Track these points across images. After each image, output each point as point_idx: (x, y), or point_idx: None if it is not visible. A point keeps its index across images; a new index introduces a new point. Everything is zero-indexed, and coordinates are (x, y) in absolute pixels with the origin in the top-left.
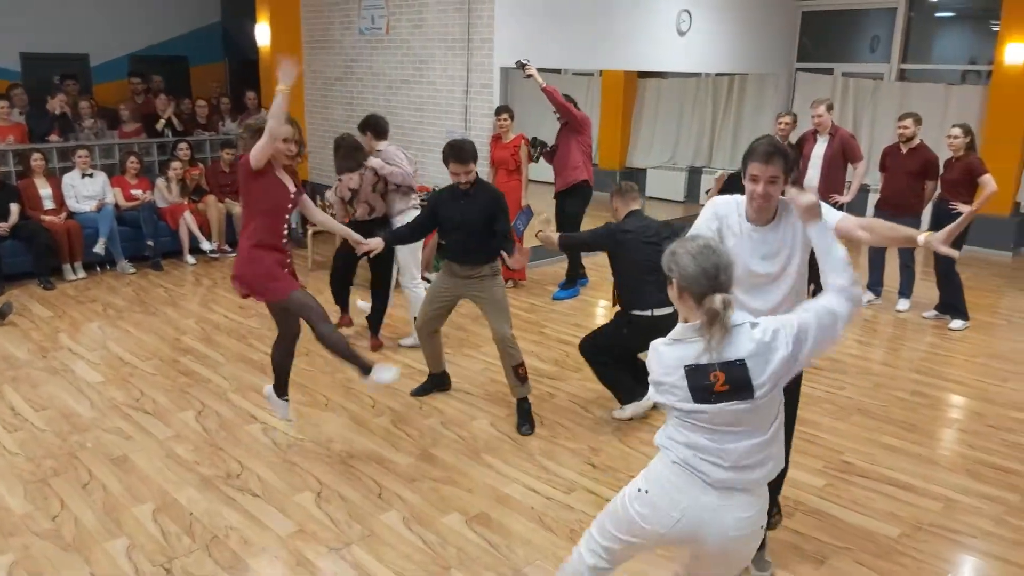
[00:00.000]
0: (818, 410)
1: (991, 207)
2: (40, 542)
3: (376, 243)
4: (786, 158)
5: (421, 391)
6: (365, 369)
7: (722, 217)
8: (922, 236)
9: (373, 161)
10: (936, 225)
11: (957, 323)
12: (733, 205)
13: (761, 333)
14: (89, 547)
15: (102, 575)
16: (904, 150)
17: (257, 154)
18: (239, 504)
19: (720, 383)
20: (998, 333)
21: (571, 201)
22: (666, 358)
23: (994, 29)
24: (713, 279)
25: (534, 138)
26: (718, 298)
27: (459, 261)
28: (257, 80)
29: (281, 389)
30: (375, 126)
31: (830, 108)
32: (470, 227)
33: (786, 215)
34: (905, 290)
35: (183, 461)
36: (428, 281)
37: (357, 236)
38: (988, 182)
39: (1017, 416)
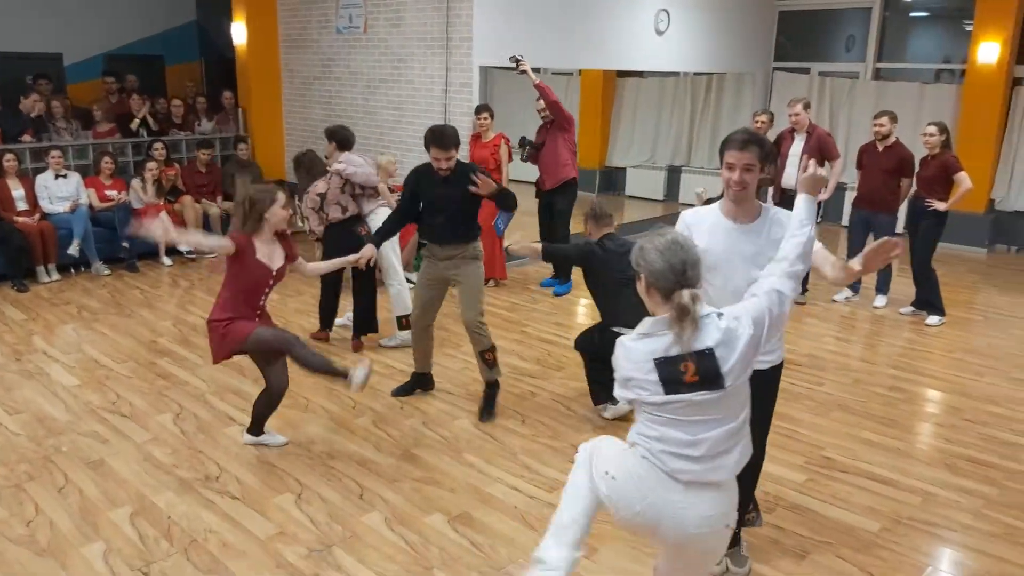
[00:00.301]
0: (798, 406)
1: (966, 204)
2: (14, 548)
3: (369, 251)
4: (761, 146)
5: (403, 391)
6: (344, 375)
7: (691, 225)
8: (855, 263)
9: (336, 167)
10: (911, 222)
11: (933, 319)
12: (704, 212)
13: (727, 322)
14: (65, 552)
15: None
16: (880, 148)
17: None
18: (218, 507)
19: (691, 373)
20: (974, 329)
21: (561, 199)
22: (635, 353)
23: (967, 29)
24: (680, 275)
25: (523, 138)
26: (686, 293)
27: (441, 242)
28: (233, 79)
29: (256, 430)
30: (342, 139)
31: (807, 107)
32: (452, 209)
33: (771, 223)
34: (882, 287)
35: (161, 464)
36: (409, 281)
37: (348, 258)
38: (963, 179)
39: (993, 410)
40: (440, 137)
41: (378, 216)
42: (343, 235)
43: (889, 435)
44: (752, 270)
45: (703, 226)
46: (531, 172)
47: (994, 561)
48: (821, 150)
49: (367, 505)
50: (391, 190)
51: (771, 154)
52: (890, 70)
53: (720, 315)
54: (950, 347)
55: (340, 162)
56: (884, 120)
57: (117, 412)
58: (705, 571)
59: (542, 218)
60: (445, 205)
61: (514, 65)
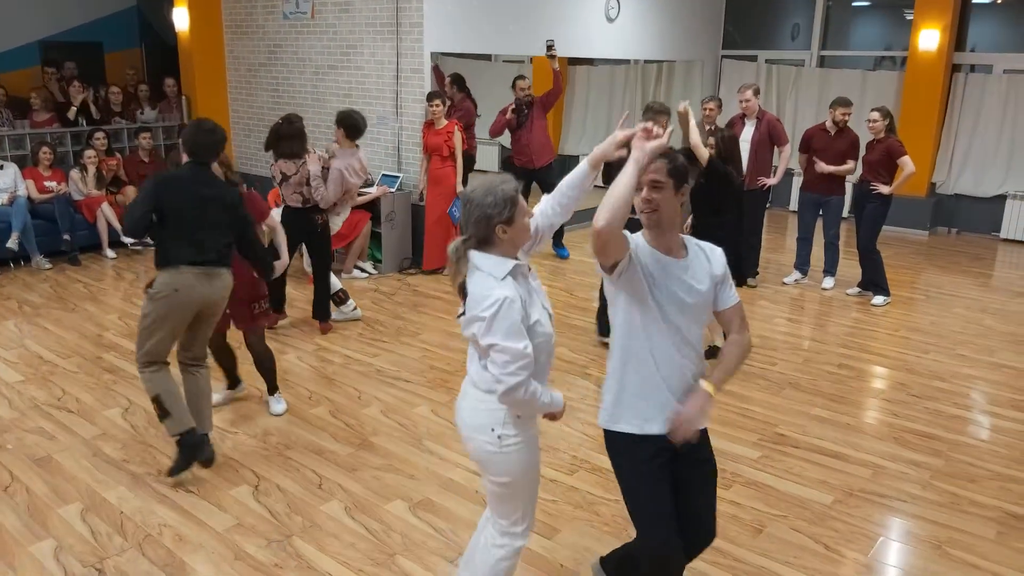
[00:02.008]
0: (752, 385)
1: (909, 188)
2: None
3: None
4: (674, 164)
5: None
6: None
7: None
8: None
9: (312, 169)
10: (857, 205)
11: (879, 299)
12: (637, 239)
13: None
14: (12, 551)
15: None
16: (832, 132)
17: None
18: (173, 501)
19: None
20: (918, 308)
21: (548, 177)
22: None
23: (908, 17)
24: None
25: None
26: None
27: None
28: (176, 66)
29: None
30: (354, 127)
31: (756, 93)
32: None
33: (697, 255)
34: (831, 268)
35: (111, 459)
36: (361, 271)
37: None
38: (907, 163)
39: (938, 385)
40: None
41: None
42: (300, 220)
43: (839, 411)
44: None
45: (644, 252)
46: (476, 159)
47: (941, 528)
48: (771, 135)
49: (326, 494)
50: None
51: (687, 172)
52: (834, 58)
53: None
54: (896, 326)
55: (337, 157)
56: (876, 116)
57: (64, 408)
58: None
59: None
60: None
61: (548, 49)
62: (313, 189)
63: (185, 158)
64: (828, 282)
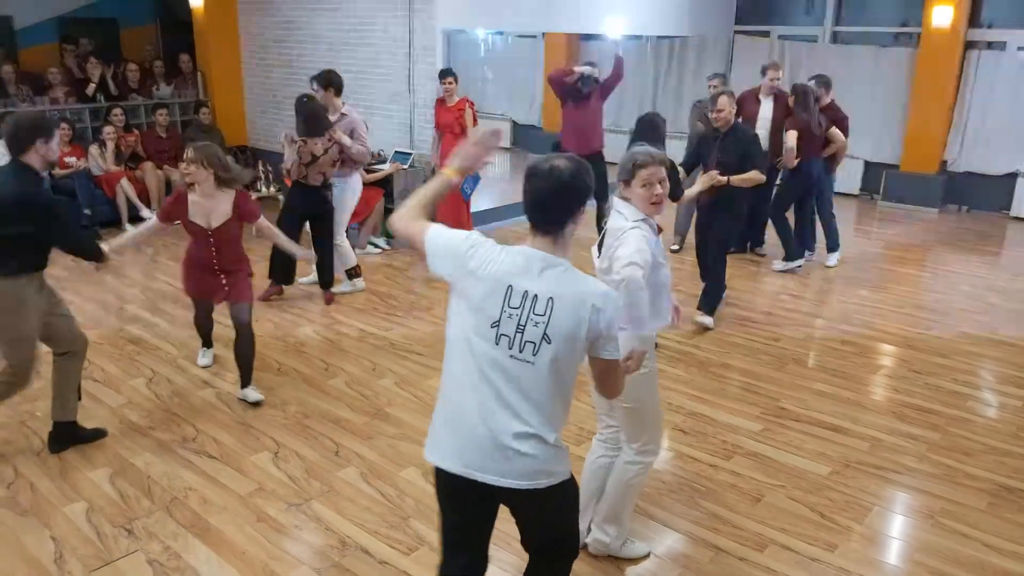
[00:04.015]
0: (755, 360)
1: (919, 166)
2: None
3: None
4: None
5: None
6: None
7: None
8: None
9: (344, 139)
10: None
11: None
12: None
13: (621, 229)
14: (47, 512)
15: (63, 537)
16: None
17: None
18: (197, 466)
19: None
20: (924, 285)
21: (596, 167)
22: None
23: None
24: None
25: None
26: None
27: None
28: (190, 42)
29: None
30: (338, 84)
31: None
32: None
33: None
34: (833, 245)
35: (137, 427)
36: (374, 246)
37: (299, 255)
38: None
39: (939, 361)
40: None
41: (350, 181)
42: (309, 196)
43: (841, 386)
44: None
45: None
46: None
47: (936, 499)
48: (788, 113)
49: (343, 461)
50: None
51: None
52: (848, 33)
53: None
54: (900, 303)
55: (343, 120)
56: (811, 84)
57: (90, 377)
58: None
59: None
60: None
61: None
62: (357, 154)
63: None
64: (832, 259)
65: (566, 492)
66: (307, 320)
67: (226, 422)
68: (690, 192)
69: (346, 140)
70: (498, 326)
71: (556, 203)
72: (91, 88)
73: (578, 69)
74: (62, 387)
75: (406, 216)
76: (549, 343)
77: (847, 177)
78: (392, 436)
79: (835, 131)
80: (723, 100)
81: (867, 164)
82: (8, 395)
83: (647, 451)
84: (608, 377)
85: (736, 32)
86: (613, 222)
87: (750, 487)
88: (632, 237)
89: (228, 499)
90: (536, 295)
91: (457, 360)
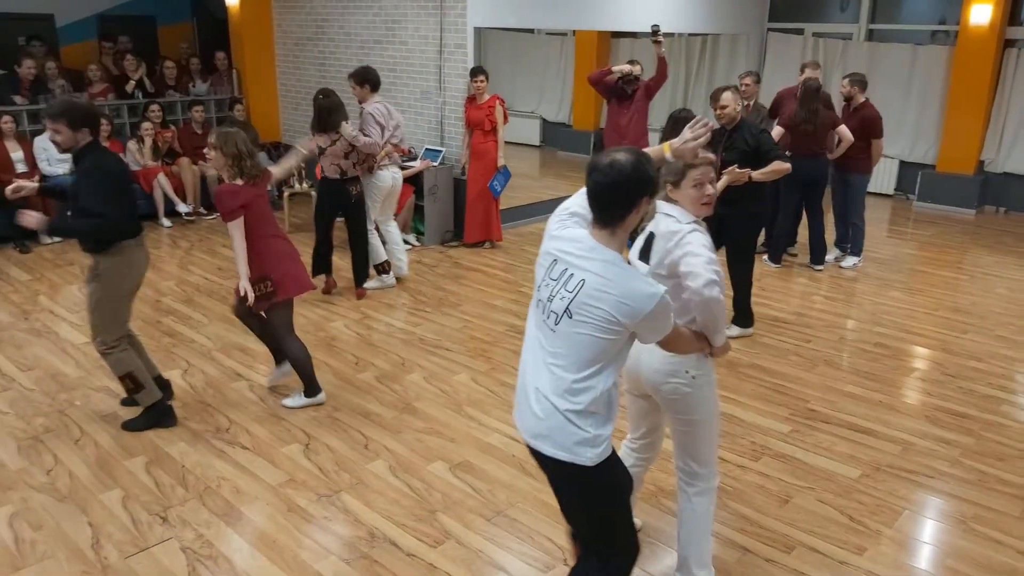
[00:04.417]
0: (785, 362)
1: (956, 166)
2: (37, 495)
3: None
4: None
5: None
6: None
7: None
8: None
9: (346, 131)
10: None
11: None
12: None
13: (676, 232)
14: (85, 499)
15: (100, 524)
16: (850, 108)
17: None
18: (229, 456)
19: (646, 245)
20: (960, 287)
21: None
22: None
23: None
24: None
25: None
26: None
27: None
28: (226, 40)
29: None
30: (375, 81)
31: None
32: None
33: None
34: (855, 250)
35: None
36: (406, 242)
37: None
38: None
39: (975, 365)
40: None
41: (383, 175)
42: (330, 190)
43: (872, 389)
44: None
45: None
46: (517, 133)
47: (968, 505)
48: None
49: (372, 454)
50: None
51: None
52: (884, 31)
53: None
54: (935, 305)
55: (367, 112)
56: (845, 82)
57: None
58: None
59: None
60: None
61: (653, 33)
62: (363, 144)
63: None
64: (847, 262)
65: (577, 479)
66: (338, 315)
67: (258, 414)
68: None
69: (347, 132)
70: (539, 291)
71: (614, 197)
72: (131, 85)
73: (616, 68)
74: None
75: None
76: (570, 318)
77: (882, 177)
78: (420, 430)
79: (842, 129)
80: (726, 96)
81: (902, 164)
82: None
83: (711, 472)
84: (662, 344)
85: (769, 30)
86: (663, 225)
87: (778, 489)
88: (697, 243)
89: (260, 489)
90: (572, 274)
91: (528, 315)
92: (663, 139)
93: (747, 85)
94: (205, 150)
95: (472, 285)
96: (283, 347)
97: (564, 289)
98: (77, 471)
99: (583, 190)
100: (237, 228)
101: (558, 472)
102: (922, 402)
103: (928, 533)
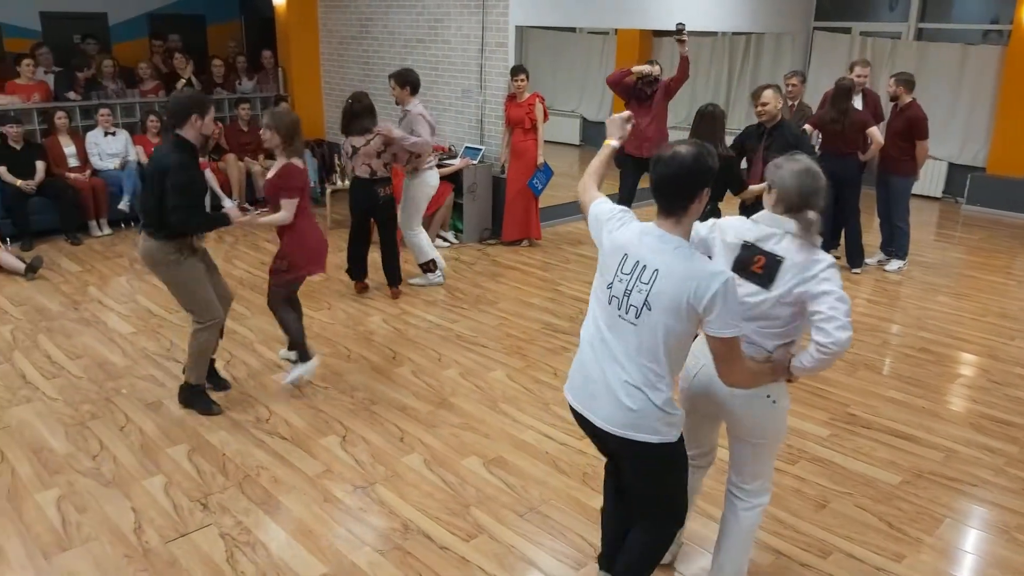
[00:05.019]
0: None
1: (1008, 169)
2: (83, 479)
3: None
4: None
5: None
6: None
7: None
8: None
9: (394, 132)
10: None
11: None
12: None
13: (815, 263)
14: (128, 484)
15: (142, 508)
16: (897, 108)
17: None
18: (269, 446)
19: (758, 265)
20: (1009, 293)
21: None
22: (738, 229)
23: None
24: (805, 198)
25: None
26: (811, 214)
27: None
28: (272, 38)
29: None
30: (415, 83)
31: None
32: None
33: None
34: (900, 252)
35: None
36: (443, 240)
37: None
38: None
39: (1022, 372)
40: None
41: (427, 177)
42: (361, 190)
43: (915, 394)
44: None
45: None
46: (557, 132)
47: (1012, 515)
48: (876, 112)
49: (407, 448)
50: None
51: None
52: (933, 30)
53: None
54: (983, 311)
55: (406, 116)
56: (891, 81)
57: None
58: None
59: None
60: None
61: (677, 32)
62: (412, 144)
63: None
64: (892, 265)
65: (660, 455)
66: (376, 310)
67: (297, 405)
68: (755, 188)
69: (396, 132)
70: (611, 288)
71: (676, 187)
72: (181, 83)
73: (636, 69)
74: (192, 352)
75: (584, 185)
76: (650, 310)
77: (930, 180)
78: (455, 425)
79: (873, 130)
80: (767, 94)
81: (951, 166)
82: (214, 339)
83: (765, 489)
84: (718, 356)
85: (815, 28)
86: (790, 251)
87: (815, 493)
88: (837, 282)
89: (297, 479)
90: (645, 265)
91: (589, 313)
92: (692, 134)
93: (793, 85)
94: (261, 131)
95: (509, 283)
96: (275, 313)
97: (640, 282)
98: (122, 457)
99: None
100: (295, 206)
101: (640, 452)
102: (967, 409)
103: (970, 542)
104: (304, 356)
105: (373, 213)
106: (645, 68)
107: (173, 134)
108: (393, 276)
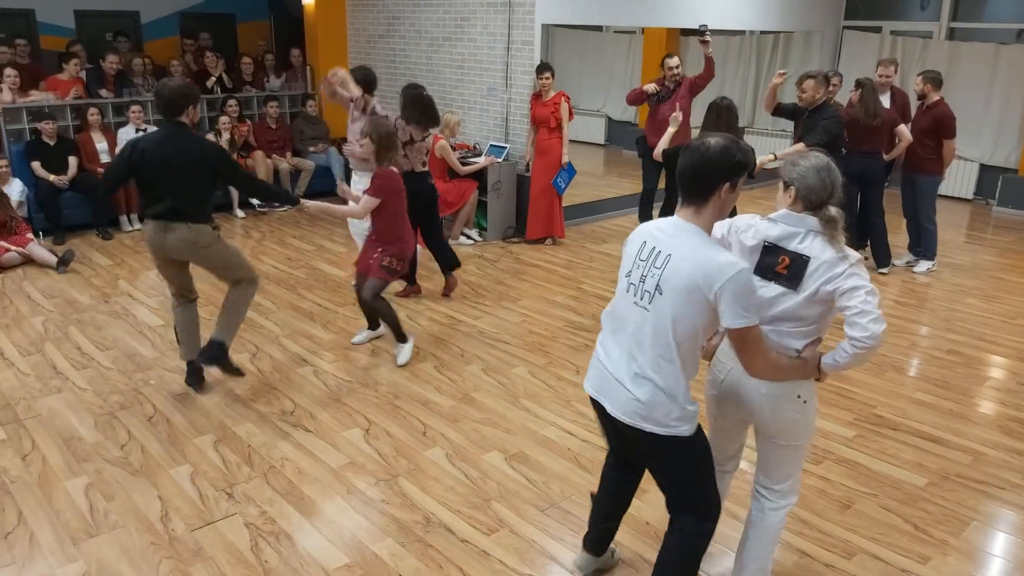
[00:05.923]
0: None
1: None
2: (111, 468)
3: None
4: None
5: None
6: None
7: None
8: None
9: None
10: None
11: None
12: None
13: (842, 260)
14: (156, 473)
15: (169, 497)
16: (923, 107)
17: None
18: (293, 438)
19: (783, 266)
20: None
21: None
22: (759, 229)
23: None
24: (828, 194)
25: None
26: (833, 209)
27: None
28: (301, 37)
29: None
30: (368, 81)
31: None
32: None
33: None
34: (928, 253)
35: (240, 399)
36: (467, 237)
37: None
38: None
39: None
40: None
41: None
42: (421, 184)
43: (943, 396)
44: None
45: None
46: (582, 132)
47: None
48: (903, 111)
49: (430, 442)
50: (453, 148)
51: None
52: (965, 30)
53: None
54: (1014, 314)
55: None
56: (919, 79)
57: None
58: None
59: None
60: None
61: (700, 33)
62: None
63: None
64: (922, 266)
65: (671, 448)
66: (400, 306)
67: (322, 398)
68: (762, 159)
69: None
70: (629, 276)
71: (696, 177)
72: (211, 81)
73: (646, 88)
74: (226, 312)
75: None
76: (661, 294)
77: (960, 181)
78: (477, 420)
79: (901, 128)
80: (808, 83)
81: (982, 167)
82: (251, 298)
83: (794, 490)
84: (737, 346)
85: (845, 27)
86: (816, 249)
87: (840, 493)
88: (866, 279)
89: (321, 471)
90: (660, 251)
91: (610, 304)
92: (704, 128)
93: (833, 86)
94: (358, 139)
95: (532, 281)
96: (374, 307)
97: (653, 267)
98: (149, 446)
99: None
100: (373, 206)
101: (656, 444)
102: (996, 412)
103: (997, 545)
104: (402, 338)
105: (432, 205)
106: (650, 87)
107: (176, 122)
108: (450, 259)
